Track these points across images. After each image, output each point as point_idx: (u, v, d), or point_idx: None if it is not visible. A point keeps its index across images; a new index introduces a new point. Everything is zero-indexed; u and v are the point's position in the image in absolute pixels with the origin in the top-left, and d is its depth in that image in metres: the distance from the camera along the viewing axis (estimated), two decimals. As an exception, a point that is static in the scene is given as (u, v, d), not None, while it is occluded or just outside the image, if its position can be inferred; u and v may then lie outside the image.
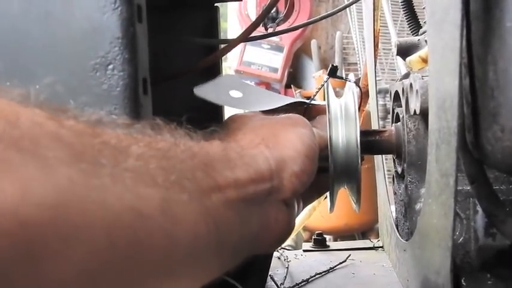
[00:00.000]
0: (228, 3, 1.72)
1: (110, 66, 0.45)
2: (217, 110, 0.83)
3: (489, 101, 0.40)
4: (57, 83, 0.46)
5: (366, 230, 2.46)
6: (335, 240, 2.47)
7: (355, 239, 2.35)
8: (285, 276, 0.74)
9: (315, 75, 2.77)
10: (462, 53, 0.38)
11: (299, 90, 2.74)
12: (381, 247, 0.89)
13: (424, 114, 0.56)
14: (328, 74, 0.61)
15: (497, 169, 0.46)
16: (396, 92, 0.70)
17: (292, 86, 3.02)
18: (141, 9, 0.47)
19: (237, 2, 2.78)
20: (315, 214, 1.73)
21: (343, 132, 0.60)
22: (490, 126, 0.40)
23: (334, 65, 0.61)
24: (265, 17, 0.60)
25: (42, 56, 0.45)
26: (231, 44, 0.59)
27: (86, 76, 0.46)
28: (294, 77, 3.26)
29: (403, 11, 0.90)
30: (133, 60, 0.45)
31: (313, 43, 3.24)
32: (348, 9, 2.76)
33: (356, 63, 3.11)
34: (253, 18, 2.74)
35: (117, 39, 0.45)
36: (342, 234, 2.47)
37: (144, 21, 0.48)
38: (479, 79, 0.41)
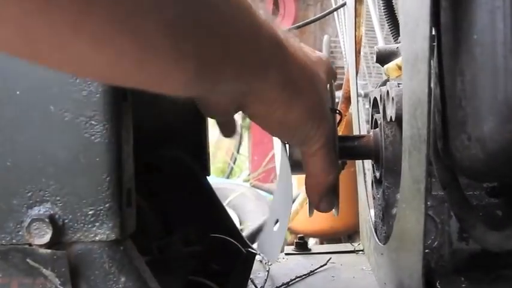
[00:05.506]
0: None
1: (90, 73, 0.46)
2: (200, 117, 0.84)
3: (457, 110, 0.41)
4: (38, 89, 0.47)
5: (351, 233, 2.47)
6: (321, 243, 2.48)
7: (341, 242, 2.36)
8: (265, 280, 0.74)
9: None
10: (431, 63, 0.40)
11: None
12: (362, 250, 0.90)
13: (399, 121, 0.57)
14: None
15: (466, 176, 0.48)
16: (375, 99, 0.71)
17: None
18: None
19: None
20: (300, 217, 1.74)
21: None
22: (458, 135, 0.42)
23: None
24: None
25: (23, 63, 0.46)
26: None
27: (66, 82, 0.46)
28: (282, 81, 3.27)
29: (385, 17, 0.91)
30: (112, 67, 0.46)
31: (301, 47, 3.25)
32: (335, 13, 2.78)
33: (343, 67, 3.13)
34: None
35: (97, 47, 0.45)
36: (327, 237, 2.48)
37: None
38: (448, 89, 0.43)
